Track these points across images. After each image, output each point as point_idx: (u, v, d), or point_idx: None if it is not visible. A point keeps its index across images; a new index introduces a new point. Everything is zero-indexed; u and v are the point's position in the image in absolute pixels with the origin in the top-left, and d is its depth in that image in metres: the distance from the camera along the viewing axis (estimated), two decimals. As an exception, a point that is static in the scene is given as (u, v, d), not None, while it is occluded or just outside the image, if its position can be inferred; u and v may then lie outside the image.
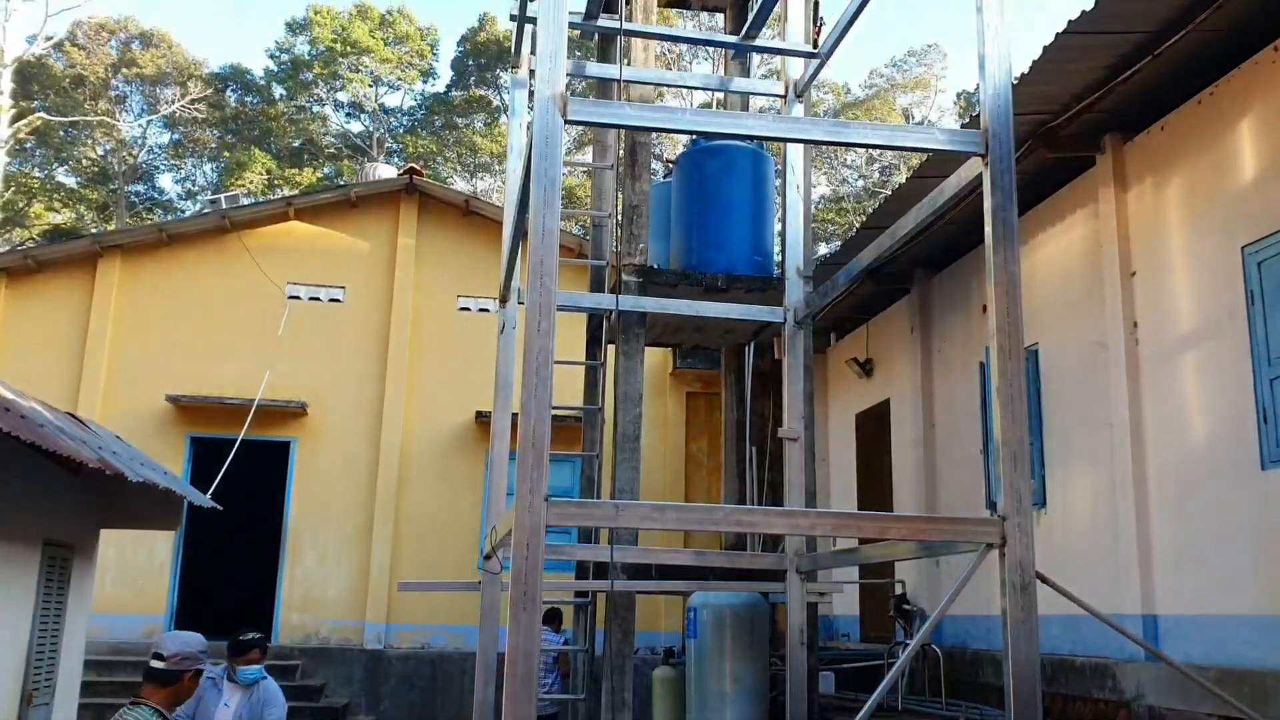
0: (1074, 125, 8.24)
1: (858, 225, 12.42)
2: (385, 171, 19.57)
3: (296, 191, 32.77)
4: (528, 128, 7.43)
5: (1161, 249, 7.91)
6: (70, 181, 36.84)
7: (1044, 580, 4.44)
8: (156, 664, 4.35)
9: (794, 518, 5.20)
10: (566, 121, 4.53)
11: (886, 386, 12.99)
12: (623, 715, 7.40)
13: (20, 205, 34.57)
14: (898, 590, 11.66)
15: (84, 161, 36.75)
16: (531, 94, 6.61)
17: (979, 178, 4.78)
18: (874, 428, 13.34)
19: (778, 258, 8.58)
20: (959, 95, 38.31)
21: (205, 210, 20.26)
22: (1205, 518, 7.27)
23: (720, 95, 10.24)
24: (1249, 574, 6.81)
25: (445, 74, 40.19)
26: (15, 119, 30.15)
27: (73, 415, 8.71)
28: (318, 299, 16.01)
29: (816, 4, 7.15)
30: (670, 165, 10.52)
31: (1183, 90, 7.65)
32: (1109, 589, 7.99)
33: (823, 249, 28.41)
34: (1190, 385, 7.56)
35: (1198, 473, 7.39)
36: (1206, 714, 6.77)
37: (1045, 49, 7.14)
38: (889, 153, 31.75)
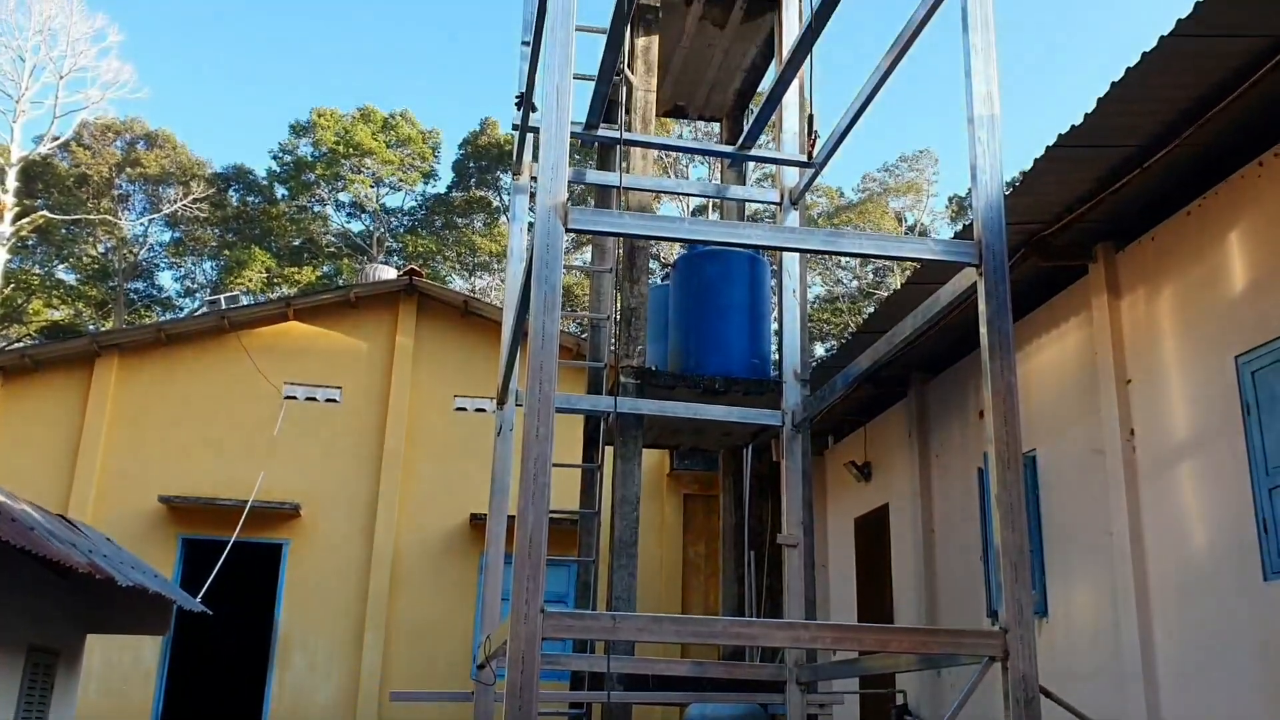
0: (1066, 235, 8.36)
1: (853, 325, 12.49)
2: (385, 272, 19.79)
3: (296, 290, 33.01)
4: (528, 232, 7.52)
5: (1156, 357, 7.95)
6: (70, 278, 37.10)
7: (1048, 695, 4.36)
8: None
9: (794, 630, 5.10)
10: (568, 230, 4.58)
11: (885, 491, 12.91)
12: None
13: (19, 302, 34.75)
14: (899, 700, 11.42)
15: (84, 259, 37.05)
16: (532, 198, 6.71)
17: (973, 286, 4.82)
18: (873, 532, 13.22)
19: (775, 358, 8.62)
20: (950, 199, 39.01)
21: (204, 310, 20.39)
22: (1208, 629, 7.15)
23: (717, 200, 10.40)
24: (1254, 687, 6.68)
25: (446, 175, 40.96)
26: (18, 217, 30.52)
27: (63, 517, 8.63)
28: (314, 399, 16.00)
29: (811, 116, 7.31)
30: (668, 268, 10.63)
31: (1172, 202, 7.77)
32: (1114, 700, 7.83)
33: (819, 349, 28.56)
34: (1189, 494, 7.52)
35: (1199, 583, 7.30)
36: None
37: (1036, 161, 7.27)
38: (883, 256, 32.09)
